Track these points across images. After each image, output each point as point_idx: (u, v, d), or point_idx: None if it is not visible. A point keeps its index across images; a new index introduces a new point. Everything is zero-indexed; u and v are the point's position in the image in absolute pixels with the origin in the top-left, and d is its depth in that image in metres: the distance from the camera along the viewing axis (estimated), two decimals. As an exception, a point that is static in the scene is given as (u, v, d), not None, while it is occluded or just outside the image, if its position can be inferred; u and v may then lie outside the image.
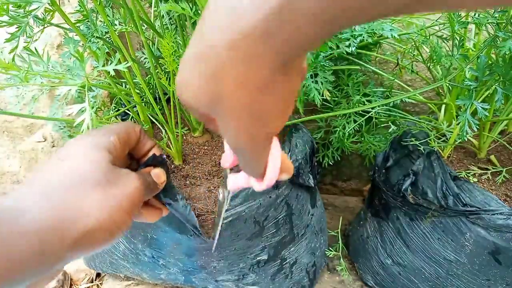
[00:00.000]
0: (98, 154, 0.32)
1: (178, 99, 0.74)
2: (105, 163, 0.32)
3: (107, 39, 0.71)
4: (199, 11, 0.55)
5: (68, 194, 0.29)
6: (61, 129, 1.03)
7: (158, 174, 0.39)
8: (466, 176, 0.78)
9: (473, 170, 0.81)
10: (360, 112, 0.91)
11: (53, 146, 1.09)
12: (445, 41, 0.78)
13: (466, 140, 0.85)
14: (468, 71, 0.73)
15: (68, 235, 0.28)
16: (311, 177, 0.83)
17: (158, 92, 0.75)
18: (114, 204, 0.31)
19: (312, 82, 0.69)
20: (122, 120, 0.88)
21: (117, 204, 0.31)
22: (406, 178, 0.83)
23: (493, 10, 0.62)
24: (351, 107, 0.92)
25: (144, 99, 0.87)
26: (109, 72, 0.57)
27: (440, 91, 0.95)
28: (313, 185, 0.83)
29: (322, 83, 0.69)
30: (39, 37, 0.62)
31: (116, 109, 0.93)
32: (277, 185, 0.74)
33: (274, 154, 0.29)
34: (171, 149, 0.78)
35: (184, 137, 0.88)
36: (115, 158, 0.34)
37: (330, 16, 0.19)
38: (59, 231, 0.28)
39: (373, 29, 0.66)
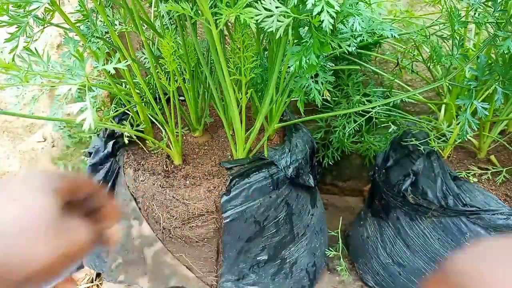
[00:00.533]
0: (46, 199, 0.32)
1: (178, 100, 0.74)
2: (53, 210, 0.32)
3: (107, 39, 0.71)
4: (199, 11, 0.56)
5: (10, 240, 0.29)
6: (61, 129, 1.03)
7: (113, 234, 0.38)
8: (466, 176, 0.78)
9: (473, 170, 0.81)
10: (360, 112, 0.91)
11: (53, 146, 1.09)
12: (445, 41, 0.78)
13: (466, 140, 0.85)
14: (468, 71, 0.73)
15: (6, 282, 0.28)
16: (311, 177, 0.83)
17: (158, 92, 0.75)
18: (59, 253, 0.31)
19: (313, 82, 0.69)
20: (121, 120, 0.88)
21: (63, 253, 0.31)
22: (406, 178, 0.83)
23: (493, 9, 0.62)
24: (351, 107, 0.92)
25: (144, 99, 0.87)
26: (109, 72, 0.57)
27: (440, 91, 0.95)
28: (313, 185, 0.83)
29: (322, 83, 0.69)
30: (39, 37, 0.62)
31: (116, 109, 0.93)
32: (277, 185, 0.74)
33: None
34: (171, 149, 0.78)
35: (184, 137, 0.88)
36: (62, 202, 0.33)
37: None
38: None
39: (373, 29, 0.66)
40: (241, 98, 0.66)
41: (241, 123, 0.69)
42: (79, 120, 0.49)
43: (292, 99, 0.74)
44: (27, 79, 0.57)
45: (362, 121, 0.90)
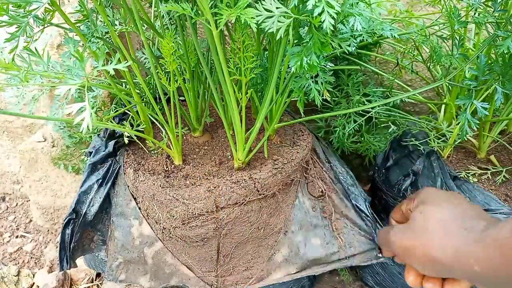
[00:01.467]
0: None
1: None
2: None
3: (107, 39, 0.71)
4: (199, 11, 0.55)
5: None
6: (61, 129, 1.03)
7: None
8: (466, 176, 0.78)
9: (473, 170, 0.81)
10: (360, 112, 0.91)
11: (53, 146, 1.09)
12: (445, 41, 0.78)
13: (466, 140, 0.85)
14: (468, 71, 0.73)
15: None
16: (311, 177, 0.83)
17: (158, 92, 0.75)
18: None
19: (312, 82, 0.69)
20: (121, 120, 0.88)
21: None
22: (406, 178, 0.83)
23: (493, 9, 0.62)
24: (351, 107, 0.92)
25: (144, 99, 0.87)
26: (109, 72, 0.57)
27: (440, 91, 0.95)
28: (313, 185, 0.83)
29: (322, 83, 0.69)
30: (39, 37, 0.62)
31: (116, 109, 0.93)
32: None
33: None
34: (171, 149, 0.78)
35: (184, 137, 0.88)
36: None
37: None
38: None
39: (373, 29, 0.66)
40: (241, 98, 0.66)
41: (241, 123, 0.70)
42: (77, 121, 0.49)
43: (292, 99, 0.74)
44: (27, 79, 0.57)
45: (362, 121, 0.90)
